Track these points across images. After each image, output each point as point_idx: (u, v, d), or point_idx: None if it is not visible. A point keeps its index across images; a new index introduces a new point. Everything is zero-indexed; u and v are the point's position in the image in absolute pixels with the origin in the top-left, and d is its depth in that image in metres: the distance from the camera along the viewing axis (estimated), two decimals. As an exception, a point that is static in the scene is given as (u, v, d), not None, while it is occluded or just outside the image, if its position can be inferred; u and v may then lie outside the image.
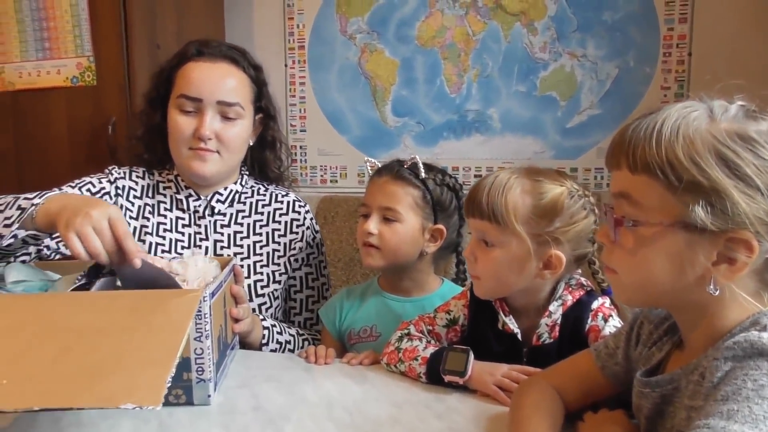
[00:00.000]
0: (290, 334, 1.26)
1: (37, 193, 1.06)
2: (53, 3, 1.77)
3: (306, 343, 1.28)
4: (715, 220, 0.60)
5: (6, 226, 1.02)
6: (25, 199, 1.04)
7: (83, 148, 1.82)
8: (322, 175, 2.38)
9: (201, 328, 0.87)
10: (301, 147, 2.37)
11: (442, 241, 1.20)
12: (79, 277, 1.00)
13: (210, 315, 0.88)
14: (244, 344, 1.17)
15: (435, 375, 0.95)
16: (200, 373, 0.89)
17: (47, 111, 1.84)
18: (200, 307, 0.86)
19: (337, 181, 2.37)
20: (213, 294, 0.90)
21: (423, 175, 1.18)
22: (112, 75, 1.77)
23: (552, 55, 2.14)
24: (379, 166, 1.24)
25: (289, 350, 1.23)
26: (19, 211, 1.02)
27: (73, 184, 1.24)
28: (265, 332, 1.19)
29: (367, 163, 1.25)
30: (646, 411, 0.71)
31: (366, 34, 2.27)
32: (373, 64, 2.28)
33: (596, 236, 0.71)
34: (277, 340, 1.21)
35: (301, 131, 2.37)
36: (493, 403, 0.90)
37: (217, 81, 1.23)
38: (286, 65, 2.35)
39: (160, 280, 0.92)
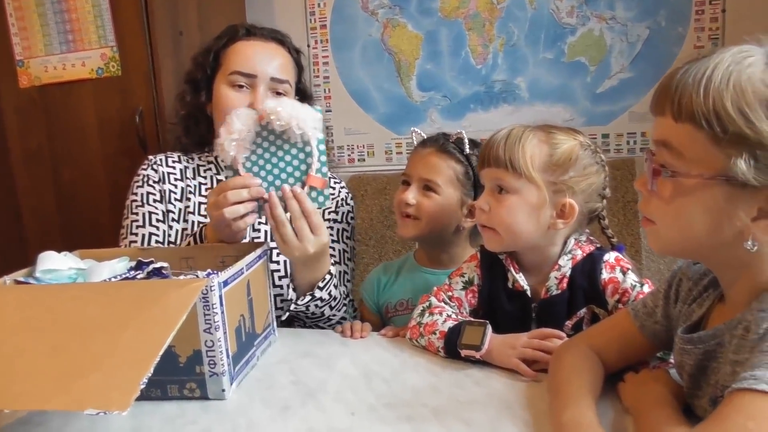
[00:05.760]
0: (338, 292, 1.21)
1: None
2: (74, -6, 1.76)
3: (344, 308, 1.25)
4: (758, 174, 0.57)
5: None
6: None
7: (113, 139, 1.82)
8: (349, 155, 2.37)
9: (210, 320, 0.83)
10: (327, 127, 2.36)
11: None
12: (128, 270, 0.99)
13: (221, 305, 0.84)
14: (296, 280, 1.14)
15: (453, 349, 0.94)
16: (212, 366, 0.84)
17: (75, 104, 1.83)
18: (207, 297, 0.81)
19: (364, 160, 2.36)
20: (226, 283, 0.86)
21: (468, 150, 1.17)
22: (137, 64, 1.76)
23: (579, 19, 2.07)
24: (425, 137, 1.23)
25: (330, 306, 1.18)
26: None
27: (137, 198, 1.29)
28: (327, 276, 1.14)
29: (413, 134, 1.24)
30: (689, 368, 0.69)
31: (388, 9, 2.24)
32: (397, 39, 2.25)
33: (635, 185, 0.68)
34: (330, 292, 1.16)
35: (326, 111, 2.36)
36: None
37: (270, 59, 1.28)
38: (308, 46, 2.33)
39: None
